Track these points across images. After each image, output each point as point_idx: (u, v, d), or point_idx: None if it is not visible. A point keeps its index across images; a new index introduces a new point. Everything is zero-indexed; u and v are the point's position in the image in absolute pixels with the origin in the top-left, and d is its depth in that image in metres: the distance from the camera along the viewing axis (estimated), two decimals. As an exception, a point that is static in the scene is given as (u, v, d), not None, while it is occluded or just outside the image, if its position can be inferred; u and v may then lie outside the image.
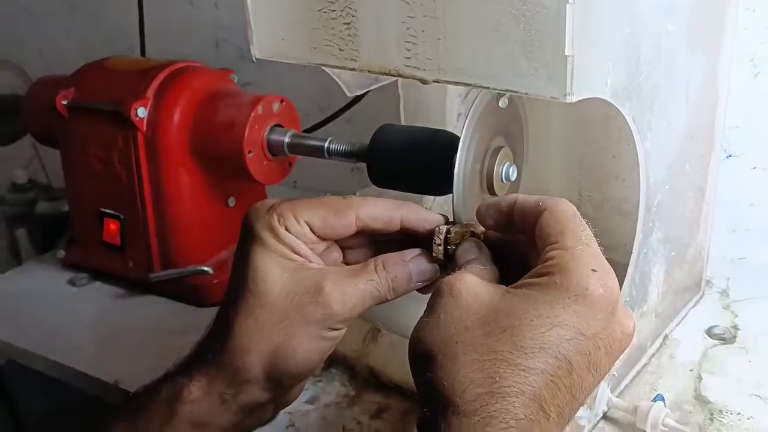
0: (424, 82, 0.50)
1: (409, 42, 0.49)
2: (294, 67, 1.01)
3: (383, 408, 0.61)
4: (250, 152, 0.71)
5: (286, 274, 0.45)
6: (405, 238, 0.49)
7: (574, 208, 0.43)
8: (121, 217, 0.78)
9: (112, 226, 0.79)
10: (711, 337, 0.67)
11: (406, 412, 0.61)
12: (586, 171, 0.76)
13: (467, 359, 0.37)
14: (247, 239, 0.46)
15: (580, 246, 0.41)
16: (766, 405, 0.58)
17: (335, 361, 0.66)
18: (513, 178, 0.60)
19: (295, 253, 0.46)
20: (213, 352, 0.46)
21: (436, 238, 0.48)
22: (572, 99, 0.43)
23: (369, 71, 0.53)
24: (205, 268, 0.77)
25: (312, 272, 0.46)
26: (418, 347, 0.40)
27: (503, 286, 0.41)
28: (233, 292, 0.46)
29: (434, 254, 0.48)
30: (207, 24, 1.13)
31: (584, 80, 0.43)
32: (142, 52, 1.05)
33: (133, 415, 0.46)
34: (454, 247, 0.47)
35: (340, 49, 0.54)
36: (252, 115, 0.71)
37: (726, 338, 0.67)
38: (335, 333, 0.46)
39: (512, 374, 0.37)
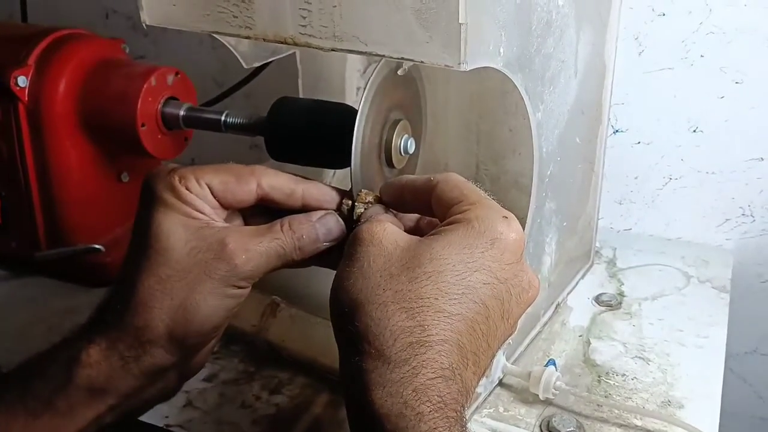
0: (321, 50, 0.50)
1: (304, 9, 0.49)
2: (190, 41, 0.99)
3: (283, 383, 0.61)
4: (143, 125, 0.69)
5: (188, 232, 0.44)
6: None
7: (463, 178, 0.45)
8: (2, 194, 0.74)
9: (-8, 204, 0.75)
10: (599, 304, 0.70)
11: (305, 386, 0.60)
12: (484, 145, 0.78)
13: (397, 308, 0.38)
14: (147, 201, 0.45)
15: (485, 199, 0.43)
16: (649, 366, 0.61)
17: (233, 338, 0.65)
18: (411, 150, 0.60)
19: (198, 212, 0.45)
20: (114, 313, 0.44)
21: (344, 200, 0.48)
22: (466, 67, 0.43)
23: (264, 39, 0.52)
24: (97, 246, 0.73)
25: (215, 230, 0.45)
26: (342, 297, 0.40)
27: (416, 236, 0.41)
28: (134, 252, 0.45)
29: (340, 212, 0.48)
30: (94, -8, 1.07)
31: (478, 49, 0.44)
32: (24, 20, 0.98)
33: (24, 382, 0.43)
34: (362, 210, 0.48)
35: (234, 16, 0.52)
36: (145, 86, 0.68)
37: (612, 305, 0.70)
38: (239, 291, 0.45)
39: (439, 321, 0.37)
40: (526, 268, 0.42)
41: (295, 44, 0.51)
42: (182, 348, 0.45)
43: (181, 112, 0.70)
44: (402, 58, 0.46)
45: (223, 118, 0.66)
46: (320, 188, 0.49)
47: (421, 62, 0.45)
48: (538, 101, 0.54)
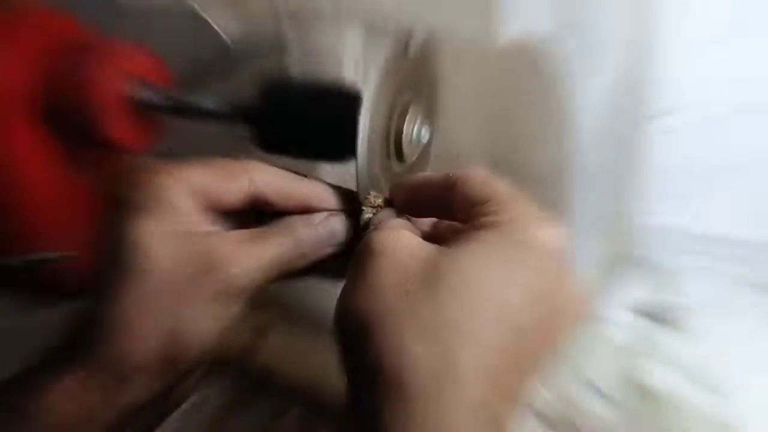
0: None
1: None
2: (164, 18, 0.90)
3: (278, 413, 0.53)
4: (107, 112, 0.60)
5: (171, 242, 0.38)
6: None
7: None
8: (-52, 194, 0.65)
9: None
10: (643, 316, 0.62)
11: (303, 419, 0.53)
12: (503, 132, 0.70)
13: (416, 333, 0.32)
14: (120, 207, 0.39)
15: (517, 198, 0.36)
16: (714, 397, 0.53)
17: (217, 363, 0.57)
18: (425, 139, 0.53)
19: (181, 217, 0.39)
20: (91, 340, 0.38)
21: (349, 202, 0.43)
22: (504, 36, 0.34)
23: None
24: (63, 254, 0.65)
25: (203, 237, 0.39)
26: (349, 319, 0.34)
27: (436, 245, 0.36)
28: (109, 271, 0.39)
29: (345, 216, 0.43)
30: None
31: (517, 12, 0.35)
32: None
33: None
34: (370, 215, 0.42)
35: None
36: (110, 67, 0.60)
37: (661, 317, 0.62)
38: (233, 309, 0.39)
39: (467, 350, 0.32)
40: (572, 280, 0.35)
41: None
42: (169, 377, 0.39)
43: (154, 98, 0.62)
44: (426, 31, 0.37)
45: (203, 104, 0.59)
46: (320, 188, 0.43)
47: (449, 31, 0.36)
48: (582, 78, 0.45)
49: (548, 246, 0.34)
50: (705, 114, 0.70)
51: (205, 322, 0.39)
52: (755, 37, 0.65)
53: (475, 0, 0.36)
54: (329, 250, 0.42)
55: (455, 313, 0.32)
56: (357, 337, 0.34)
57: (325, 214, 0.42)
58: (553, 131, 0.65)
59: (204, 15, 0.56)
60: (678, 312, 0.62)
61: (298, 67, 0.67)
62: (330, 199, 0.43)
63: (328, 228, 0.42)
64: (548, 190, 0.68)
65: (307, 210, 0.42)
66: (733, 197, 0.71)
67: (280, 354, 0.56)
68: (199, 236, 0.39)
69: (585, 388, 0.51)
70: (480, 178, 0.38)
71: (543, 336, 0.34)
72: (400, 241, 0.36)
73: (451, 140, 0.71)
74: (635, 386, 0.54)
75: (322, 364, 0.54)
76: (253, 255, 0.39)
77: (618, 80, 0.52)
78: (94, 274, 0.40)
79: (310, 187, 0.43)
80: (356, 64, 0.69)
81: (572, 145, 0.50)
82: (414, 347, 0.32)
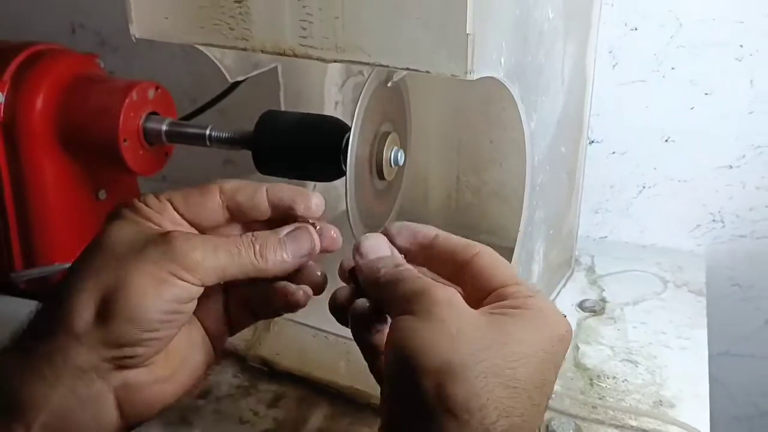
0: (323, 61, 0.50)
1: (304, 21, 0.49)
2: (162, 56, 0.98)
3: (279, 396, 0.60)
4: (125, 140, 0.67)
5: (135, 234, 0.42)
6: None
7: None
8: (-24, 212, 0.71)
9: (-36, 223, 0.72)
10: (583, 310, 0.72)
11: (302, 399, 0.60)
12: (465, 156, 0.79)
13: (497, 382, 0.35)
14: (105, 221, 0.43)
15: (539, 290, 0.43)
16: (637, 368, 0.63)
17: (225, 354, 0.64)
18: (402, 162, 0.62)
19: (154, 223, 0.43)
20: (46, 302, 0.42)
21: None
22: (473, 76, 0.44)
23: (262, 51, 0.52)
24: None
25: (169, 229, 0.43)
26: (429, 359, 0.35)
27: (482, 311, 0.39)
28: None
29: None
30: (60, 5, 1.05)
31: (482, 58, 0.45)
32: (-13, 37, 0.96)
33: None
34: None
35: (231, 29, 0.52)
36: (127, 101, 0.67)
37: (596, 310, 0.72)
38: (181, 282, 0.40)
39: (530, 409, 0.36)
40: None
41: (295, 55, 0.51)
42: (112, 344, 0.39)
43: (164, 127, 0.69)
44: (407, 68, 0.46)
45: (207, 132, 0.65)
46: (281, 186, 0.46)
47: (427, 72, 0.46)
48: (533, 111, 0.55)
49: (569, 337, 0.39)
50: (630, 143, 0.81)
51: (144, 282, 0.39)
52: (670, 79, 0.77)
53: (445, 43, 0.44)
54: (293, 263, 0.44)
55: (522, 374, 0.36)
56: (438, 375, 0.35)
57: (292, 225, 0.45)
58: (503, 157, 0.75)
59: (210, 54, 0.63)
60: (611, 306, 0.73)
61: (288, 101, 0.75)
62: (296, 198, 0.45)
63: (294, 239, 0.44)
64: (504, 204, 0.79)
65: (278, 211, 0.45)
66: (656, 212, 0.83)
67: (279, 347, 0.62)
68: (162, 229, 0.42)
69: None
70: (501, 261, 0.42)
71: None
72: (460, 298, 0.38)
73: (420, 163, 0.81)
74: (581, 368, 0.63)
75: (316, 354, 0.62)
76: (203, 241, 0.41)
77: (561, 114, 0.62)
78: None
79: (272, 186, 0.45)
80: (335, 104, 0.78)
81: (531, 167, 0.58)
82: (496, 395, 0.35)
